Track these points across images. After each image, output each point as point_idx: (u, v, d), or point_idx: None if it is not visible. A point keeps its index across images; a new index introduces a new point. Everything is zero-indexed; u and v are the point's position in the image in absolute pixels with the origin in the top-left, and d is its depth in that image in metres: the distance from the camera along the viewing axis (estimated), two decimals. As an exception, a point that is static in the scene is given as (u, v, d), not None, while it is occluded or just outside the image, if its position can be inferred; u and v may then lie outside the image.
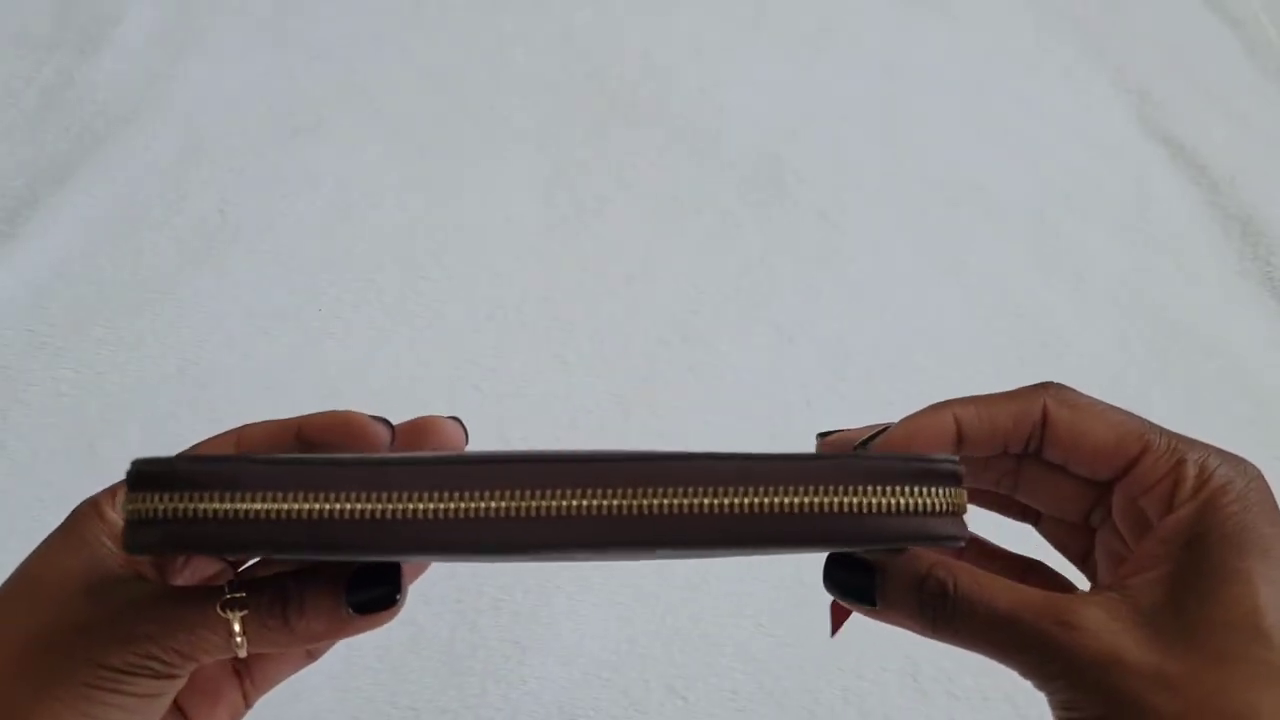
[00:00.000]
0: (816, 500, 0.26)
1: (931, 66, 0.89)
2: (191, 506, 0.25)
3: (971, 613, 0.29)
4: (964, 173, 0.81)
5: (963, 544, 0.28)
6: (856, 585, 0.31)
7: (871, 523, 0.27)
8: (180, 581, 0.33)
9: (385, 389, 0.65)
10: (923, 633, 0.30)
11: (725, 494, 0.26)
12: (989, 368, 0.69)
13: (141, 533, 0.26)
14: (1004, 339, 0.71)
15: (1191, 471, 0.30)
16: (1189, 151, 0.83)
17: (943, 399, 0.32)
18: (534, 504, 0.26)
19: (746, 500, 0.26)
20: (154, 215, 0.73)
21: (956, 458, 0.28)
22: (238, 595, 0.29)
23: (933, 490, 0.27)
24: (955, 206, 0.79)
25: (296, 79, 0.82)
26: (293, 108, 0.80)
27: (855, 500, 0.27)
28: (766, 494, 0.26)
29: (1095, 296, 0.74)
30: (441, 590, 0.56)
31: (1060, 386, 0.32)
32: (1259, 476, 0.30)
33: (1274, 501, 0.29)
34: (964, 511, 0.28)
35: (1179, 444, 0.31)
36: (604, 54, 0.86)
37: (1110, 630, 0.27)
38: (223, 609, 0.28)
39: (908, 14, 0.93)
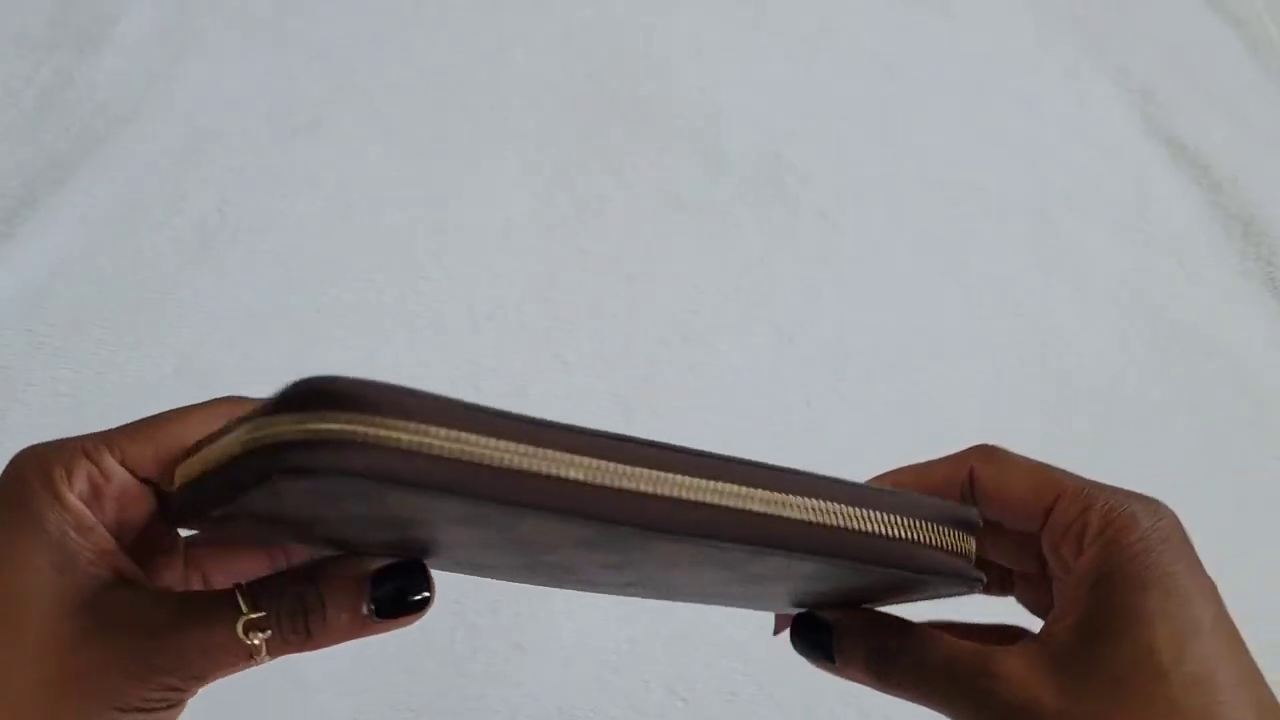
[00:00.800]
0: (892, 531, 0.28)
1: (932, 66, 0.89)
2: (415, 438, 0.23)
3: (911, 666, 0.31)
4: (964, 173, 0.81)
5: (981, 587, 0.31)
6: (819, 642, 0.33)
7: (929, 557, 0.29)
8: (163, 579, 0.30)
9: (385, 389, 0.65)
10: (873, 686, 0.32)
11: (829, 514, 0.27)
12: (989, 368, 0.69)
13: (329, 456, 0.22)
14: (1004, 339, 0.71)
15: (1096, 516, 0.30)
16: (1190, 151, 0.83)
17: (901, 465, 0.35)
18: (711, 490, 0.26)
19: (853, 523, 0.28)
20: (153, 215, 0.72)
21: (975, 509, 0.31)
22: (257, 615, 0.27)
23: (965, 535, 0.30)
24: (956, 206, 0.78)
25: (296, 79, 0.82)
26: (292, 107, 0.80)
27: (918, 535, 0.29)
28: (871, 521, 0.28)
29: (1096, 297, 0.73)
30: (441, 592, 0.56)
31: (991, 447, 0.34)
32: (1170, 516, 0.30)
33: (1183, 539, 0.30)
34: (974, 557, 0.31)
35: (1090, 489, 0.31)
36: (604, 54, 0.86)
37: (1027, 679, 0.29)
38: (245, 633, 0.27)
39: (908, 14, 0.93)
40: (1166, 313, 0.73)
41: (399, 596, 0.29)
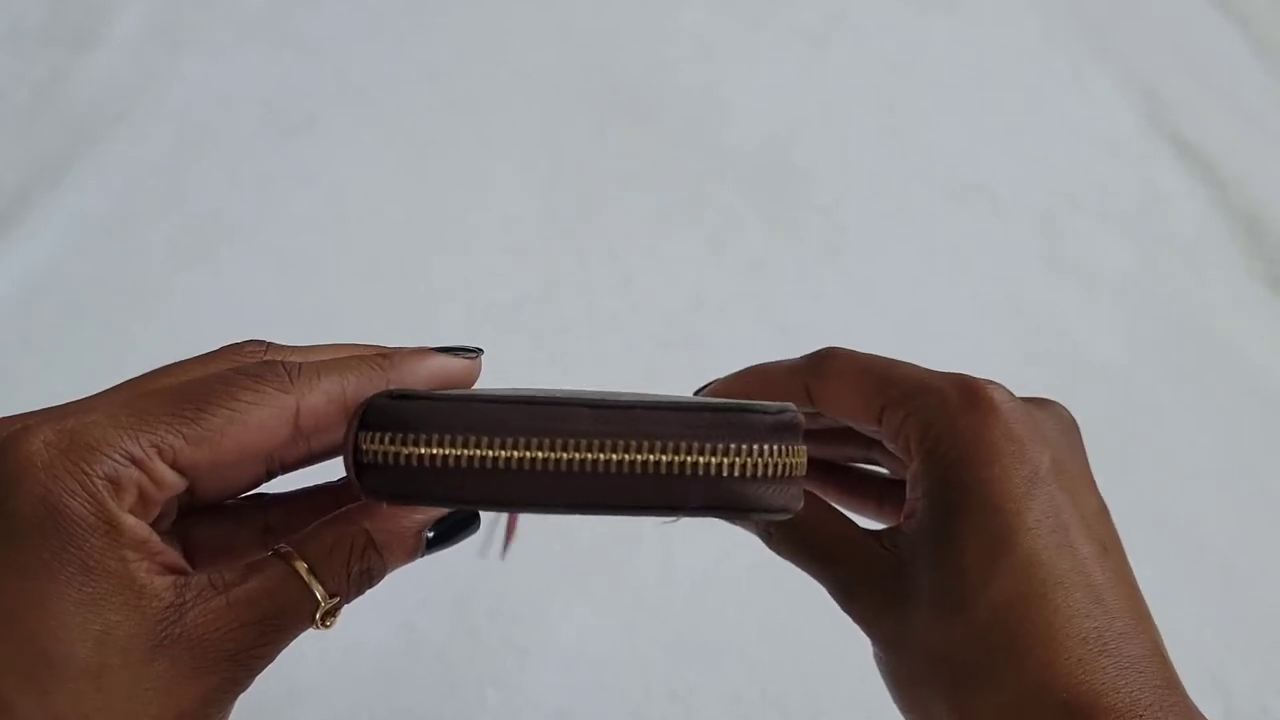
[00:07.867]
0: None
1: (937, 65, 0.88)
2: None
3: (788, 549, 0.31)
4: (969, 172, 0.80)
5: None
6: None
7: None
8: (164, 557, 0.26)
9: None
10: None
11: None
12: (995, 368, 0.68)
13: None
14: (1010, 339, 0.70)
15: (915, 427, 0.30)
16: (1196, 150, 0.82)
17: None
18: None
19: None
20: (148, 214, 0.72)
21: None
22: (334, 603, 0.25)
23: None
24: (961, 205, 0.78)
25: (292, 77, 0.82)
26: (288, 106, 0.79)
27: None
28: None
29: (1102, 296, 0.73)
30: (440, 595, 0.55)
31: (827, 354, 0.33)
32: (988, 407, 0.30)
33: (1005, 433, 0.29)
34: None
35: (912, 392, 0.31)
36: (604, 51, 0.86)
37: (875, 580, 0.30)
38: (322, 620, 0.26)
39: (913, 12, 0.92)
40: (1172, 312, 0.72)
41: (449, 537, 0.28)
